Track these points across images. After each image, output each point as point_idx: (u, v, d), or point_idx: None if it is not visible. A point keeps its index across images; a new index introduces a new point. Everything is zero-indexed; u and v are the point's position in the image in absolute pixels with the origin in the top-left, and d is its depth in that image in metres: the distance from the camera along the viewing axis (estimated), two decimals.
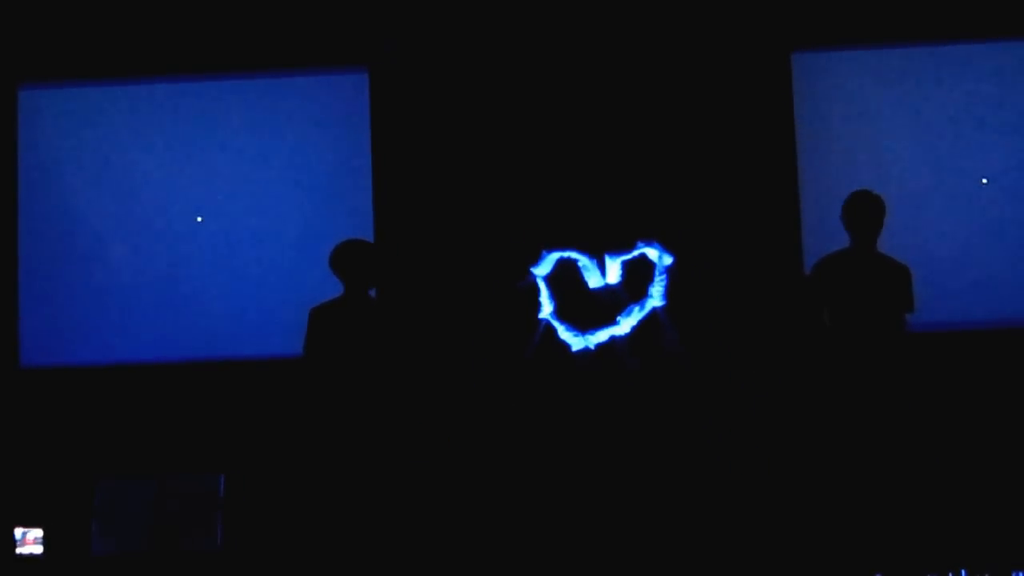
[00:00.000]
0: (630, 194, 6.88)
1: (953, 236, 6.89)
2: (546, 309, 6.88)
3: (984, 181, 6.94)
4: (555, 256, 6.88)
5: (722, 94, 6.92)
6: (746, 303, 6.80)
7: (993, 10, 6.88)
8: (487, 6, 7.03)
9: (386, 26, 7.09)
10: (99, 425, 7.01)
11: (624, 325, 6.84)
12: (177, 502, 6.55)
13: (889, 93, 6.98)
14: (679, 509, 6.50)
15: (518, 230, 6.89)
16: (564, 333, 6.86)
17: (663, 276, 6.82)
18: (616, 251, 6.85)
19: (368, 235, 6.82)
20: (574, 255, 6.88)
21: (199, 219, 7.20)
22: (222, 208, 7.18)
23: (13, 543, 6.36)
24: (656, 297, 6.82)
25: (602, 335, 6.87)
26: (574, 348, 6.86)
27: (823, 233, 6.64)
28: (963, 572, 5.54)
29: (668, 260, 6.83)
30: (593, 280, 6.87)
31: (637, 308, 6.83)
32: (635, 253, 6.86)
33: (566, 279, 6.88)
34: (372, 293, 6.40)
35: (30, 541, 6.37)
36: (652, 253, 6.85)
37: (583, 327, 6.87)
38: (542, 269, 6.89)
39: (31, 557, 6.36)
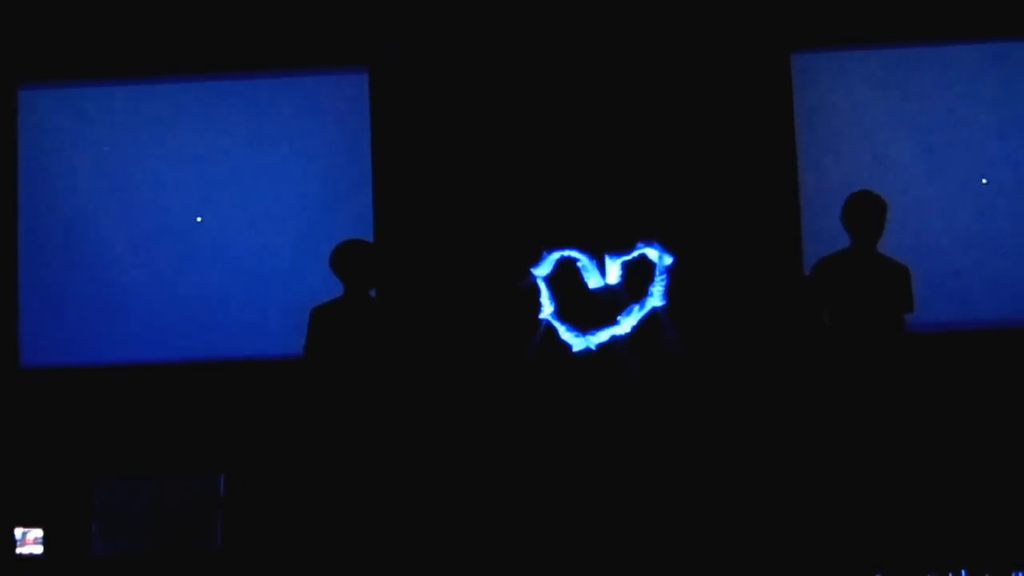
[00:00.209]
0: (630, 194, 6.88)
1: (952, 236, 6.89)
2: (547, 309, 6.88)
3: (984, 181, 6.94)
4: (555, 256, 6.89)
5: (722, 94, 6.92)
6: (746, 303, 6.80)
7: (992, 10, 6.88)
8: (487, 6, 7.03)
9: (386, 26, 7.09)
10: (99, 425, 7.01)
11: (624, 325, 6.84)
12: (177, 502, 6.55)
13: (889, 93, 6.98)
14: (680, 509, 6.50)
15: (518, 230, 6.89)
16: (565, 333, 6.86)
17: (663, 276, 6.82)
18: (616, 251, 6.86)
19: (368, 235, 6.82)
20: (574, 255, 6.88)
21: (199, 219, 7.20)
22: (222, 208, 7.19)
23: (13, 543, 6.36)
24: (656, 297, 6.82)
25: (603, 335, 6.86)
26: (575, 348, 6.86)
27: (822, 233, 6.64)
28: (963, 572, 5.53)
29: (668, 260, 6.83)
30: (593, 280, 6.88)
31: (637, 308, 6.84)
32: (635, 253, 6.86)
33: (566, 279, 6.88)
34: (372, 293, 6.41)
35: (30, 541, 6.37)
36: (652, 253, 6.85)
37: (584, 327, 6.87)
38: (542, 269, 6.89)
39: (31, 557, 6.36)
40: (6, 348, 7.16)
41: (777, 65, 6.96)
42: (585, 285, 6.88)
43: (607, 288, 6.87)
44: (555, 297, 6.88)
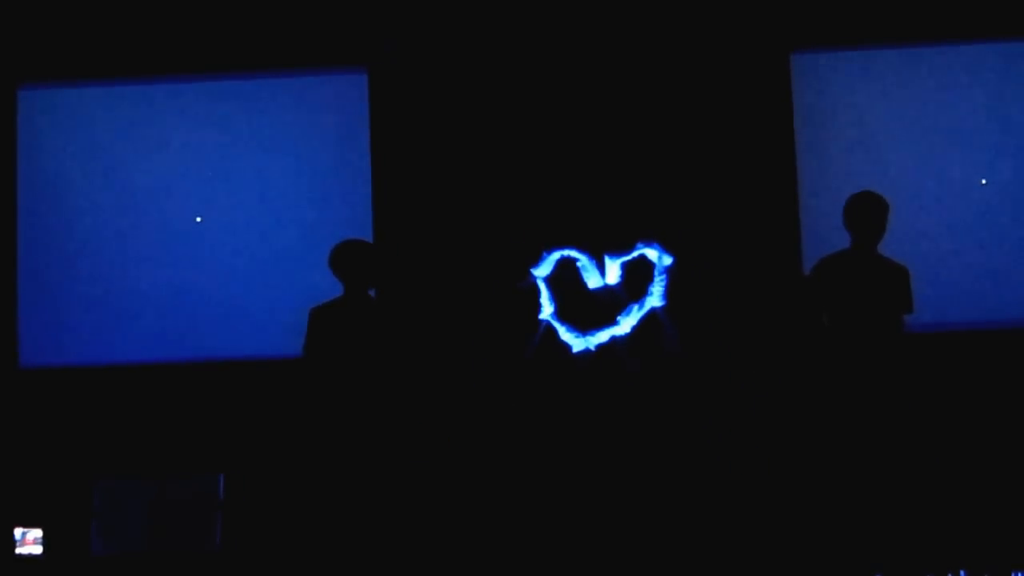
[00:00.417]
0: (630, 195, 6.88)
1: (952, 237, 6.89)
2: (546, 310, 6.88)
3: (983, 182, 6.95)
4: (555, 256, 6.88)
5: (722, 95, 6.92)
6: (745, 303, 6.80)
7: (992, 11, 6.88)
8: (486, 6, 7.03)
9: (385, 26, 7.09)
10: (98, 425, 7.01)
11: (624, 325, 6.83)
12: (176, 502, 6.55)
13: (888, 94, 6.98)
14: (680, 509, 6.50)
15: (518, 231, 6.89)
16: (565, 334, 6.85)
17: (663, 276, 6.82)
18: (616, 252, 6.85)
19: (367, 235, 6.82)
20: (574, 255, 6.88)
21: (198, 219, 7.20)
22: (221, 208, 7.18)
23: (13, 543, 6.35)
24: (656, 297, 6.82)
25: (603, 335, 6.86)
26: (575, 349, 6.86)
27: (822, 233, 6.65)
28: (963, 573, 5.53)
29: (668, 261, 6.83)
30: (592, 281, 6.87)
31: (637, 308, 6.83)
32: (635, 254, 6.86)
33: (566, 280, 6.87)
34: (372, 293, 6.41)
35: (30, 541, 6.37)
36: (652, 254, 6.85)
37: (583, 328, 6.86)
38: (542, 270, 6.88)
39: (30, 557, 6.36)
40: (6, 348, 7.15)
41: (777, 65, 6.95)
42: (585, 285, 6.88)
43: (607, 288, 6.87)
44: (555, 297, 6.88)
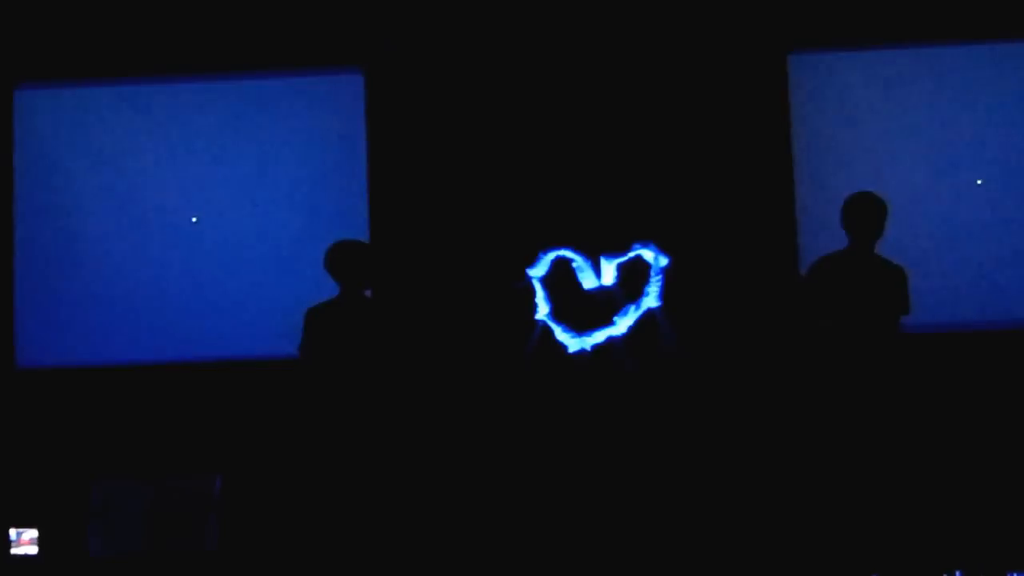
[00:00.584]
0: (626, 195, 6.88)
1: (948, 237, 6.89)
2: (542, 310, 6.87)
3: (979, 182, 6.95)
4: (551, 257, 6.88)
5: (719, 95, 6.92)
6: (742, 304, 6.80)
7: (988, 12, 6.88)
8: (482, 7, 7.03)
9: (381, 27, 7.09)
10: (95, 426, 7.02)
11: (620, 326, 6.83)
12: (173, 503, 6.55)
13: (885, 94, 6.98)
14: (677, 510, 6.50)
15: (514, 231, 6.89)
16: (561, 334, 6.85)
17: (659, 277, 6.82)
18: (612, 252, 6.85)
19: (363, 236, 6.83)
20: (569, 255, 6.87)
21: (194, 219, 7.20)
22: (217, 208, 7.18)
23: (8, 543, 6.35)
24: (652, 298, 6.82)
25: (599, 336, 6.86)
26: (571, 349, 6.86)
27: (819, 234, 6.65)
28: (958, 573, 5.53)
29: (664, 261, 6.83)
30: (588, 281, 6.87)
31: (633, 308, 6.83)
32: (631, 254, 6.86)
33: (562, 280, 6.87)
34: (368, 294, 6.41)
35: (25, 541, 6.37)
36: (648, 254, 6.85)
37: (580, 328, 6.86)
38: (538, 270, 6.88)
39: (26, 557, 6.35)
40: (2, 349, 7.16)
41: (773, 66, 6.96)
42: (580, 286, 6.88)
43: (602, 289, 6.87)
44: (551, 298, 6.87)
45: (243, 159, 7.20)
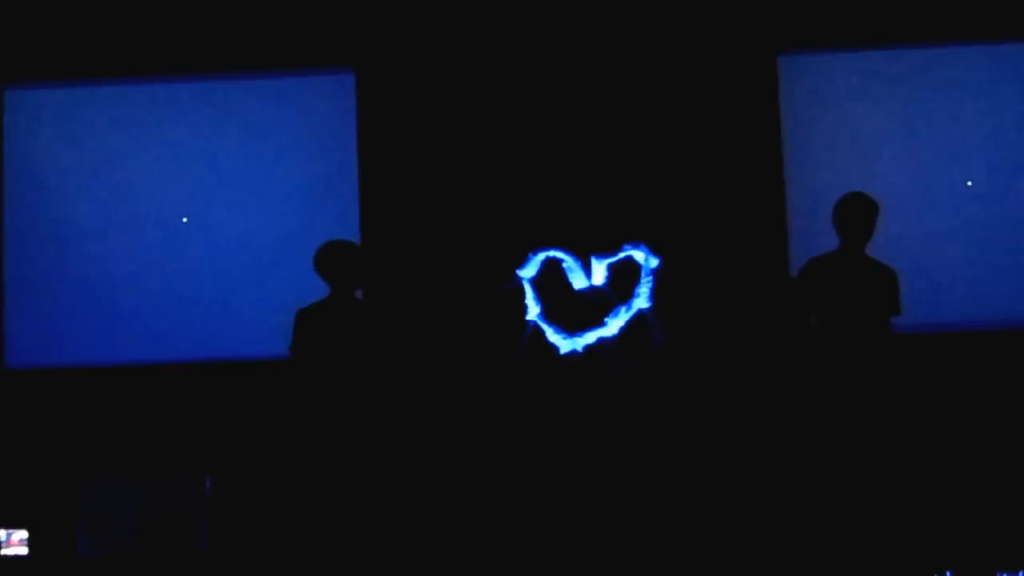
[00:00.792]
0: (616, 196, 6.88)
1: (938, 238, 6.91)
2: (533, 311, 6.87)
3: (969, 183, 6.96)
4: (540, 257, 6.87)
5: (709, 96, 6.93)
6: (733, 305, 6.80)
7: (979, 13, 6.90)
8: (474, 8, 7.03)
9: (373, 27, 7.08)
10: (85, 426, 7.00)
11: (612, 327, 6.83)
12: (163, 503, 6.54)
13: (875, 95, 7.00)
14: (669, 510, 6.50)
15: (505, 232, 6.88)
16: (552, 336, 6.85)
17: (649, 278, 6.82)
18: (602, 253, 6.85)
19: (354, 236, 6.82)
20: (559, 256, 6.87)
21: (185, 220, 7.19)
22: (208, 209, 7.18)
23: None
24: (643, 299, 6.82)
25: (590, 337, 6.85)
26: (562, 350, 6.85)
27: (809, 235, 6.67)
28: (948, 573, 5.54)
29: (654, 262, 6.83)
30: (578, 281, 6.87)
31: (624, 309, 6.83)
32: (621, 255, 6.85)
33: (552, 281, 6.87)
34: (359, 294, 6.41)
35: (15, 542, 6.35)
36: (638, 255, 6.85)
37: (571, 329, 6.86)
38: (528, 271, 6.88)
39: (16, 558, 6.34)
40: None
41: (764, 67, 6.96)
42: (570, 286, 6.87)
43: (593, 289, 6.86)
44: (541, 299, 6.87)
45: (234, 159, 7.20)
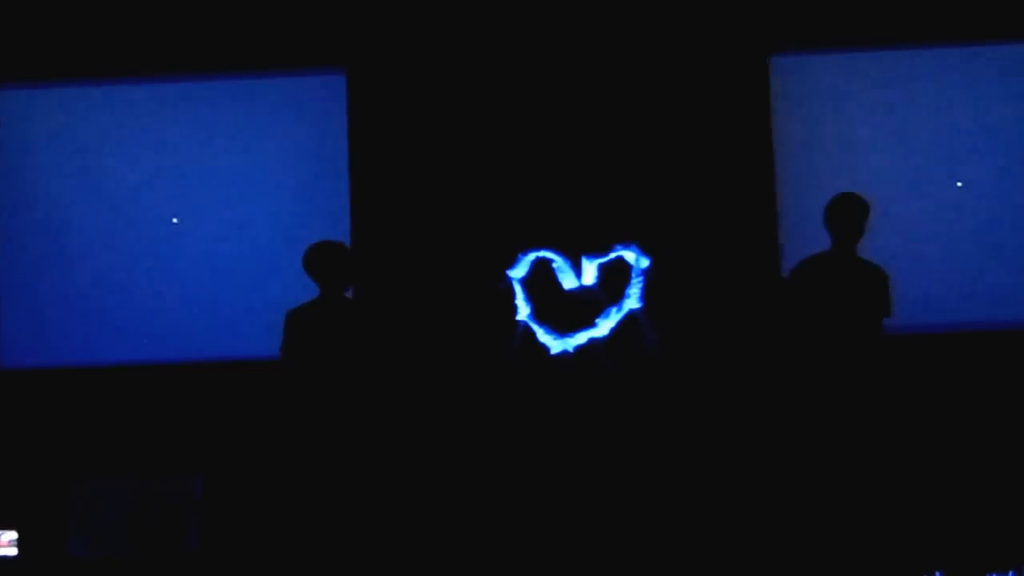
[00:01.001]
0: (607, 196, 6.88)
1: (928, 239, 6.91)
2: (523, 312, 6.86)
3: (959, 184, 6.97)
4: (530, 258, 6.87)
5: (700, 96, 6.92)
6: (724, 305, 6.80)
7: (969, 15, 6.90)
8: (465, 8, 7.03)
9: (363, 27, 7.08)
10: (76, 426, 6.99)
11: (602, 327, 6.83)
12: (154, 503, 6.54)
13: (866, 96, 6.99)
14: (660, 510, 6.51)
15: (495, 232, 6.88)
16: (543, 336, 6.84)
17: (640, 278, 6.82)
18: (592, 253, 6.85)
19: (345, 237, 6.81)
20: (549, 256, 6.87)
21: (175, 220, 7.19)
22: (199, 209, 7.16)
23: None
24: (634, 299, 6.82)
25: (581, 338, 6.85)
26: (553, 351, 6.85)
27: (801, 235, 6.66)
28: (938, 573, 5.55)
29: (645, 262, 6.83)
30: (568, 282, 6.86)
31: (615, 310, 6.83)
32: (612, 255, 6.85)
33: (542, 281, 6.86)
34: (349, 295, 6.41)
35: (4, 543, 6.35)
36: (629, 255, 6.85)
37: (561, 330, 6.85)
38: (518, 271, 6.87)
39: (5, 559, 6.34)
40: None
41: (755, 67, 6.96)
42: (560, 287, 6.87)
43: (583, 289, 6.86)
44: (531, 299, 6.87)
45: (224, 160, 7.18)
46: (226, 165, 7.18)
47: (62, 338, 7.16)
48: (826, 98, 7.02)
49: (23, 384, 7.07)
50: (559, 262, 6.86)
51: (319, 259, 6.13)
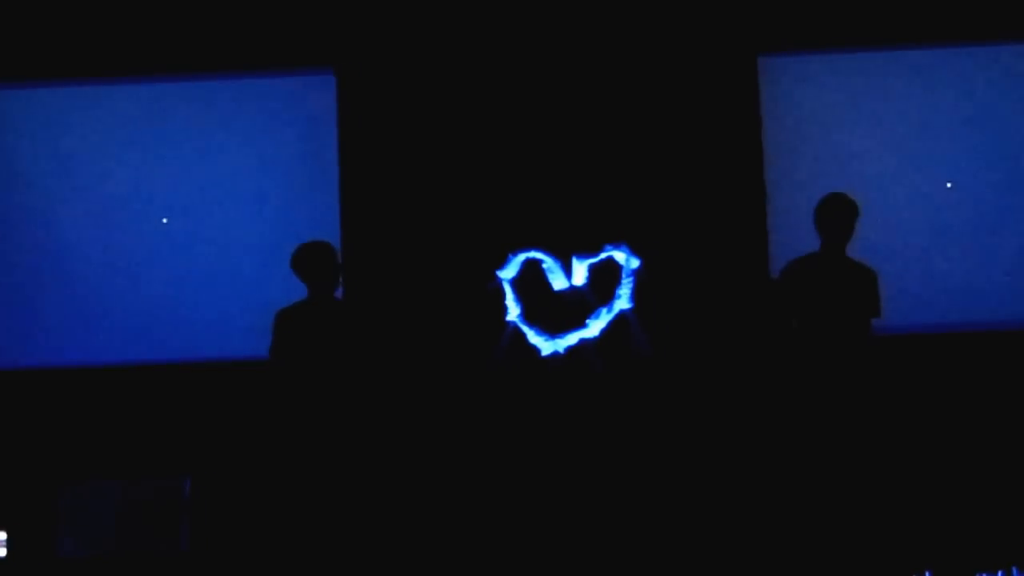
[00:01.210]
0: (597, 197, 6.88)
1: (917, 239, 6.92)
2: (513, 312, 6.85)
3: (949, 185, 6.97)
4: (521, 258, 6.86)
5: (689, 97, 6.92)
6: (714, 306, 6.80)
7: (957, 15, 6.91)
8: (454, 8, 7.03)
9: (353, 27, 7.07)
10: (64, 427, 6.96)
11: (593, 328, 6.82)
12: (142, 504, 6.54)
13: (855, 96, 7.00)
14: (651, 511, 6.51)
15: (485, 232, 6.87)
16: (534, 337, 6.83)
17: (630, 279, 6.81)
18: (583, 254, 6.84)
19: (335, 237, 6.80)
20: (539, 256, 6.86)
21: (165, 220, 7.18)
22: (188, 210, 7.14)
23: None
24: (624, 299, 6.82)
25: (571, 338, 6.84)
26: (543, 352, 6.84)
27: (790, 236, 6.66)
28: (928, 573, 5.55)
29: (635, 263, 6.82)
30: (558, 282, 6.85)
31: (605, 311, 6.83)
32: (602, 256, 6.85)
33: (532, 282, 6.86)
34: (339, 295, 6.41)
35: None
36: (619, 256, 6.84)
37: (552, 331, 6.85)
38: (508, 272, 6.87)
39: None
40: None
41: (744, 68, 6.96)
42: (550, 287, 6.86)
43: (573, 290, 6.85)
44: (521, 300, 6.86)
45: (214, 160, 7.17)
46: (216, 165, 7.16)
47: (50, 338, 7.14)
48: (815, 99, 7.03)
49: (11, 384, 7.04)
50: (549, 262, 6.86)
51: (306, 259, 6.14)
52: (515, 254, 6.85)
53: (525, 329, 6.84)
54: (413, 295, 6.86)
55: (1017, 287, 6.88)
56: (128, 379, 7.01)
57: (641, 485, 6.59)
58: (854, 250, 6.16)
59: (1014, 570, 5.46)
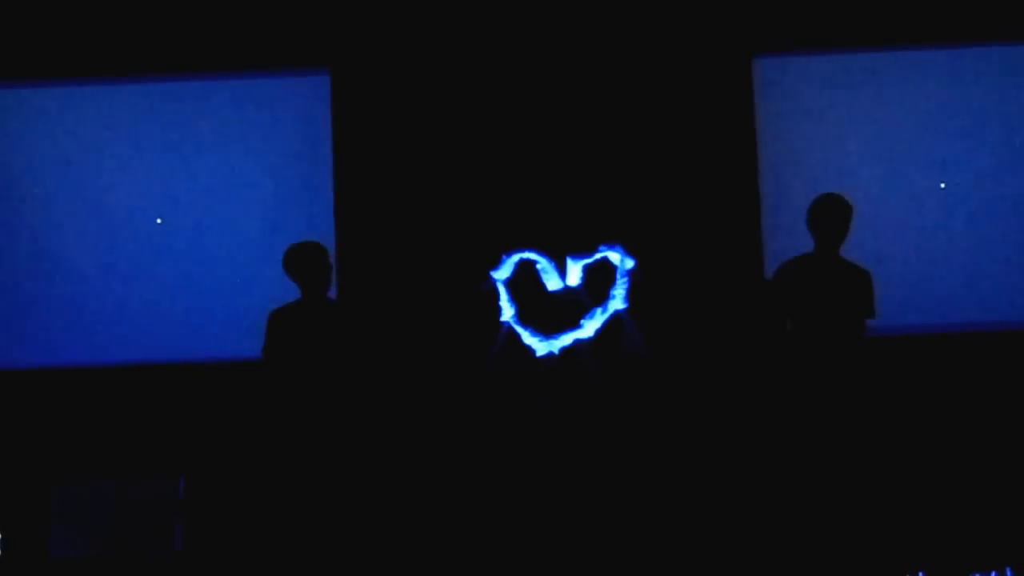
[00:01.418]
0: (592, 197, 6.88)
1: (911, 240, 6.93)
2: (507, 313, 6.86)
3: (943, 185, 6.98)
4: (515, 259, 6.86)
5: (684, 98, 6.93)
6: (709, 307, 6.81)
7: (951, 16, 6.92)
8: (449, 9, 7.03)
9: (348, 28, 7.08)
10: (58, 428, 6.96)
11: (588, 328, 6.83)
12: (136, 505, 6.53)
13: (849, 97, 7.01)
14: (645, 511, 6.51)
15: (479, 233, 6.88)
16: (528, 338, 6.83)
17: (625, 279, 6.82)
18: (577, 254, 6.85)
19: (329, 238, 6.80)
20: (533, 257, 6.86)
21: (159, 221, 7.18)
22: (183, 210, 7.15)
23: None
24: (619, 300, 6.82)
25: (566, 339, 6.85)
26: (538, 353, 6.84)
27: (784, 237, 6.68)
28: (921, 574, 5.55)
29: (630, 263, 6.83)
30: (552, 283, 6.86)
31: (600, 311, 6.83)
32: (597, 256, 6.85)
33: (527, 282, 6.86)
34: (333, 296, 6.41)
35: None
36: (614, 256, 6.85)
37: (546, 331, 6.85)
38: (503, 272, 6.87)
39: None
40: None
41: (738, 68, 6.97)
42: (545, 288, 6.86)
43: (568, 290, 6.85)
44: (516, 301, 6.86)
45: (209, 160, 7.17)
46: (210, 165, 7.17)
47: (44, 339, 7.14)
48: (809, 99, 7.04)
49: (5, 385, 7.04)
50: (543, 263, 6.86)
51: (298, 260, 6.14)
52: (509, 255, 6.86)
53: (520, 330, 6.85)
54: (407, 295, 6.86)
55: (1011, 288, 6.89)
56: (121, 379, 7.01)
57: (636, 485, 6.59)
58: (848, 251, 6.16)
59: (1007, 570, 5.47)
